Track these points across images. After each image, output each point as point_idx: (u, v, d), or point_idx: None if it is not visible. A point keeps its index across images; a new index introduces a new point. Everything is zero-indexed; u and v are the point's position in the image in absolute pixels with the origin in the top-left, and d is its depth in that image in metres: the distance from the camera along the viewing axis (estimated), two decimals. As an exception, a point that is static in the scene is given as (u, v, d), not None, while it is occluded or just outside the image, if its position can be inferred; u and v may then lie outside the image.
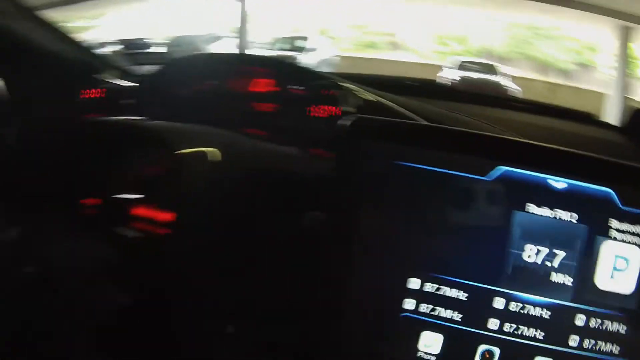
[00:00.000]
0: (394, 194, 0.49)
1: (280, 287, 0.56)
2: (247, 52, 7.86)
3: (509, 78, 8.85)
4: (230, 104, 0.86)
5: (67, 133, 0.67)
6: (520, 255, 0.47)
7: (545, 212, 0.46)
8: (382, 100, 0.82)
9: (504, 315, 0.47)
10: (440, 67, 9.32)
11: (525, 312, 0.46)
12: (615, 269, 0.46)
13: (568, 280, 0.46)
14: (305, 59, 8.77)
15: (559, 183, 0.46)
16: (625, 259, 0.45)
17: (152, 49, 10.65)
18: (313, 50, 9.76)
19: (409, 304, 0.48)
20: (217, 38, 10.73)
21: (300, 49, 9.60)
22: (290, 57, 8.45)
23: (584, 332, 0.45)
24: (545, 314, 0.46)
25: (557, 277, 0.46)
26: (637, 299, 0.45)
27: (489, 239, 0.47)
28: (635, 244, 0.45)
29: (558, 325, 0.46)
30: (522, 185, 0.47)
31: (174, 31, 12.84)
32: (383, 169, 0.49)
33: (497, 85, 8.12)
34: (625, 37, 5.78)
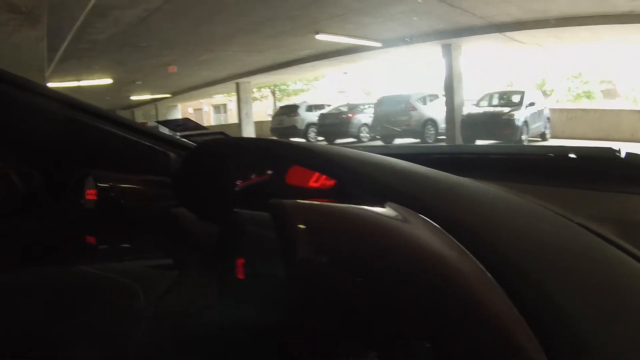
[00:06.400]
0: None
1: None
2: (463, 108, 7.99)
3: None
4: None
5: None
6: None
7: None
8: None
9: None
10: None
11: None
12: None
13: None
14: (521, 114, 8.65)
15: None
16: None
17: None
18: (531, 104, 9.50)
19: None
20: (430, 97, 11.20)
21: (516, 104, 9.47)
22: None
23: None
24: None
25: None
26: None
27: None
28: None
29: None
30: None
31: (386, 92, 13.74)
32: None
33: None
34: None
